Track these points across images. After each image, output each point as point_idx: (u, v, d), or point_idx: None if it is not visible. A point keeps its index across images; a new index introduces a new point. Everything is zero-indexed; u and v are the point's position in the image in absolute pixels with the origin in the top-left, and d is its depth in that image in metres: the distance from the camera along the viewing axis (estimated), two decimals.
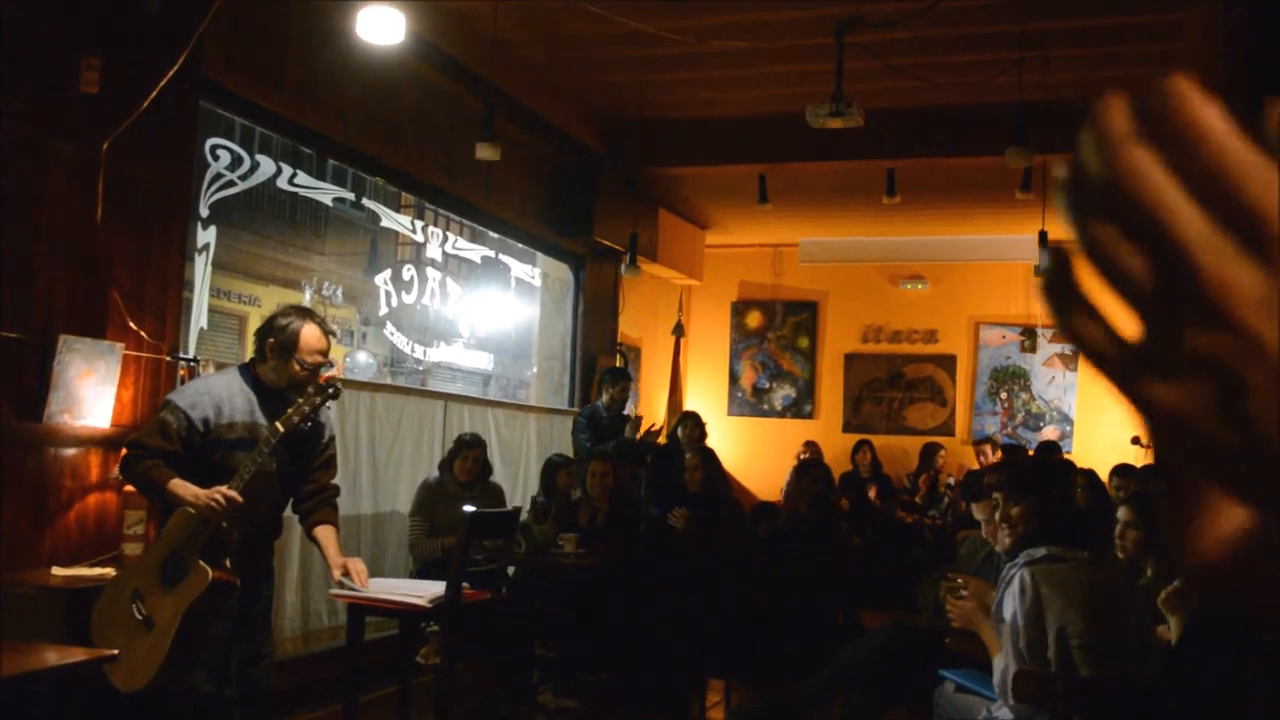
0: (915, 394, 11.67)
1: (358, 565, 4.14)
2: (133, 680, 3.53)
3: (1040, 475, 3.79)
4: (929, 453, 10.64)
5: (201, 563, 3.60)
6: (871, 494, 9.80)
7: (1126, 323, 0.42)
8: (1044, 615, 3.18)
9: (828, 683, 4.56)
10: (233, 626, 3.84)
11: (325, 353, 3.98)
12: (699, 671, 6.37)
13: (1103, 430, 10.49)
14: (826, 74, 6.47)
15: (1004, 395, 11.41)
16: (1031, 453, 9.49)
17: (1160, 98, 0.42)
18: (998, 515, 3.61)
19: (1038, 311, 10.97)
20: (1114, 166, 0.41)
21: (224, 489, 3.63)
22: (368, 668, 4.65)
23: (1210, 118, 0.41)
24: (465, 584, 4.32)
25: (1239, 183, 0.40)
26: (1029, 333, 10.99)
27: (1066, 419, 11.13)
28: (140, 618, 3.63)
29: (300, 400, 3.80)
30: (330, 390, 3.89)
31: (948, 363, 11.58)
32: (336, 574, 4.09)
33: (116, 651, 3.12)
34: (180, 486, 3.67)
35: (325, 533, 4.11)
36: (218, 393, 3.85)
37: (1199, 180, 0.40)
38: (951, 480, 10.03)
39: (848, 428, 11.67)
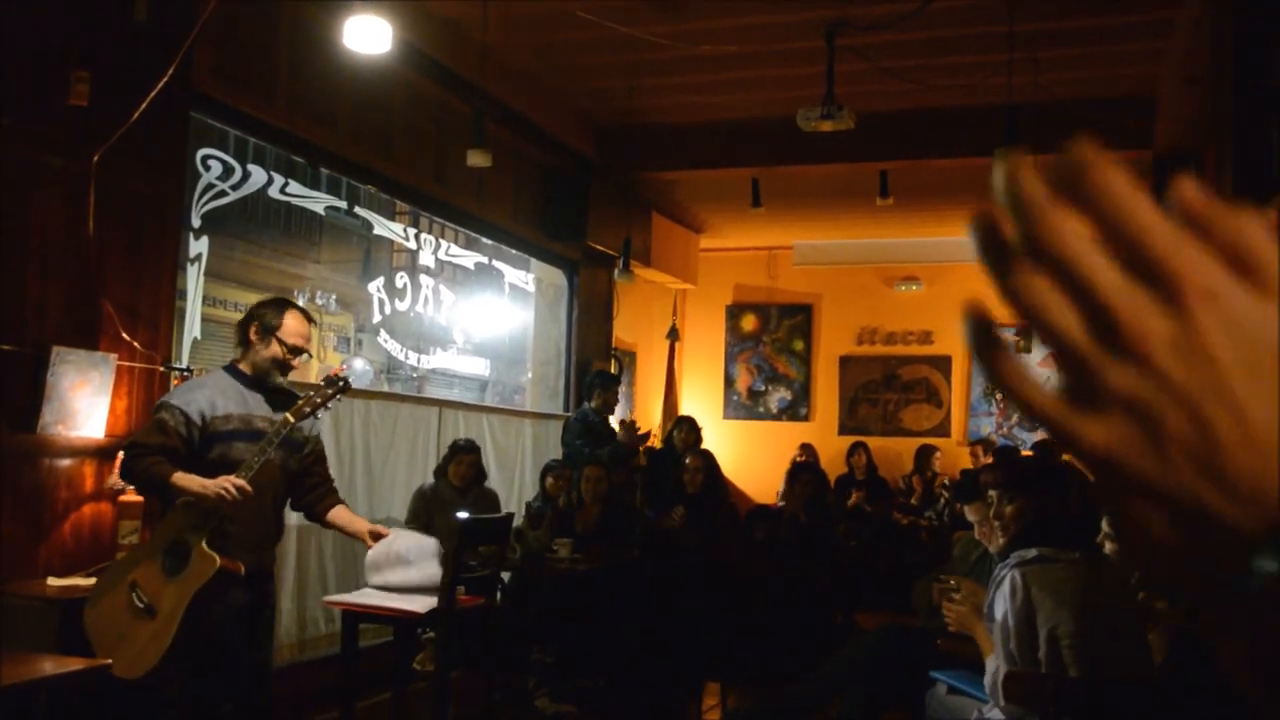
0: (911, 396, 11.69)
1: (381, 529, 4.23)
2: (134, 667, 3.54)
3: (1037, 474, 3.79)
4: (924, 454, 10.65)
5: (208, 549, 3.61)
6: (852, 500, 9.78)
7: (1053, 364, 0.46)
8: (1034, 616, 3.19)
9: (822, 685, 4.57)
10: (240, 628, 3.84)
11: (306, 338, 4.05)
12: (695, 675, 6.38)
13: None
14: (817, 77, 6.49)
15: (999, 396, 11.42)
16: (1028, 452, 9.50)
17: (1073, 163, 0.45)
18: (992, 513, 3.61)
19: None
20: (1037, 230, 0.45)
21: (233, 478, 3.64)
22: (363, 675, 4.66)
23: (1120, 183, 0.44)
24: (460, 589, 4.34)
25: (1148, 242, 0.44)
26: (1024, 333, 10.94)
27: None
28: (141, 605, 3.64)
29: (312, 392, 3.84)
30: (341, 383, 3.92)
31: (943, 364, 11.60)
32: (370, 541, 4.16)
33: (111, 661, 3.13)
34: (185, 478, 3.68)
35: (341, 511, 4.19)
36: (208, 388, 3.90)
37: (1113, 238, 0.44)
38: (947, 482, 10.04)
39: (843, 430, 11.68)
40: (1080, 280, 0.44)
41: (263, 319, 3.98)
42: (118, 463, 4.49)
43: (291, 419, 3.77)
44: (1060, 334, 0.45)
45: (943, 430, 11.47)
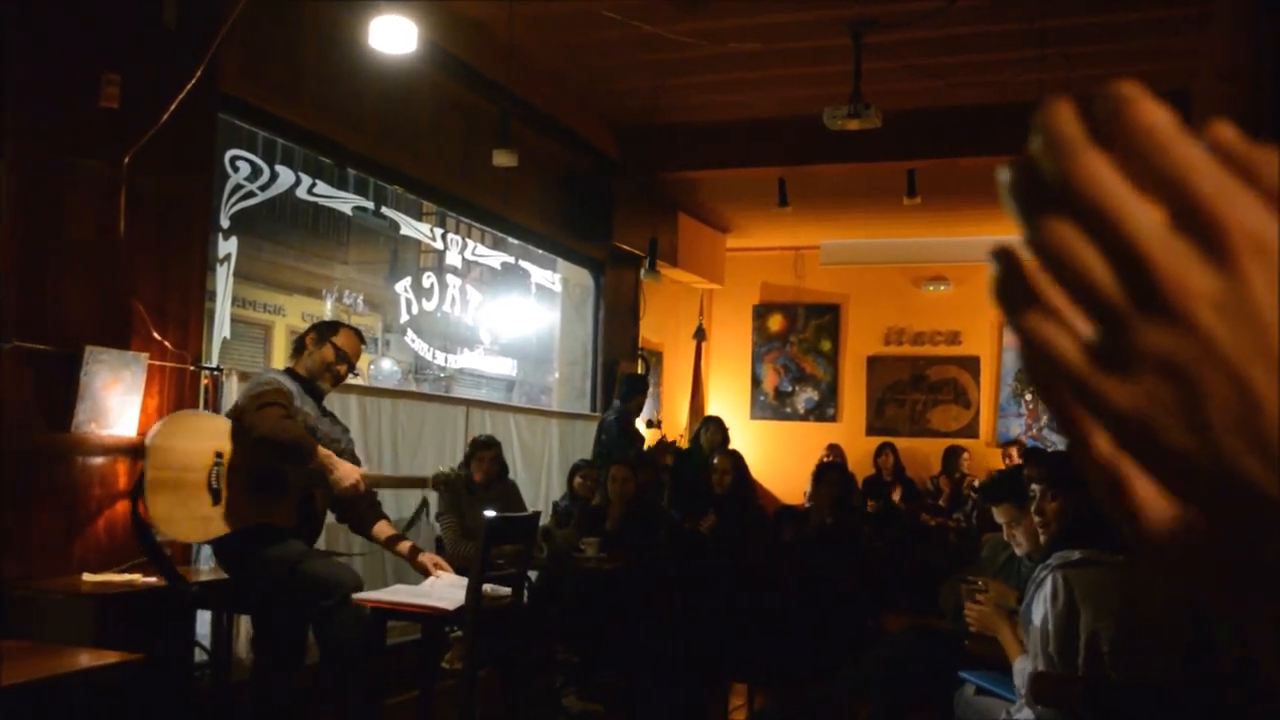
0: (939, 396, 11.63)
1: (441, 563, 4.52)
2: (177, 532, 3.94)
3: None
4: (952, 455, 10.60)
5: (290, 505, 4.00)
6: (870, 506, 9.68)
7: (1081, 324, 0.42)
8: (1076, 620, 3.14)
9: (849, 686, 4.55)
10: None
11: (357, 353, 4.43)
12: (722, 675, 6.37)
13: None
14: (844, 75, 6.47)
15: (1029, 397, 11.35)
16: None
17: (1111, 101, 0.42)
18: (1033, 509, 3.56)
19: None
20: (1069, 171, 0.41)
21: (359, 475, 4.09)
22: (391, 673, 4.68)
23: (1162, 121, 0.41)
24: (487, 587, 4.35)
25: (1192, 186, 0.40)
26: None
27: None
28: (214, 486, 3.88)
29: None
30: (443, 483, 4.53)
31: (971, 364, 11.54)
32: (434, 570, 4.43)
33: (143, 656, 3.16)
34: (330, 456, 4.07)
35: (384, 527, 4.49)
36: (288, 381, 4.19)
37: (1153, 183, 0.40)
38: (976, 484, 9.98)
39: (871, 430, 11.64)
40: (1115, 227, 0.40)
41: (320, 329, 4.39)
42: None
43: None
44: (1091, 286, 0.41)
45: (971, 431, 11.41)
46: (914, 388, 11.69)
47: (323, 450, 4.08)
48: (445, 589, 4.30)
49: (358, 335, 4.44)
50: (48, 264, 4.30)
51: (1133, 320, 0.40)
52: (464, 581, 4.19)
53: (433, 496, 6.21)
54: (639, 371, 9.46)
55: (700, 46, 6.66)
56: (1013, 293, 0.44)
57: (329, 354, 4.28)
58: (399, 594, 4.34)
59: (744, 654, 6.11)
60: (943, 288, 11.51)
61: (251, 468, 4.03)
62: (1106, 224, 0.40)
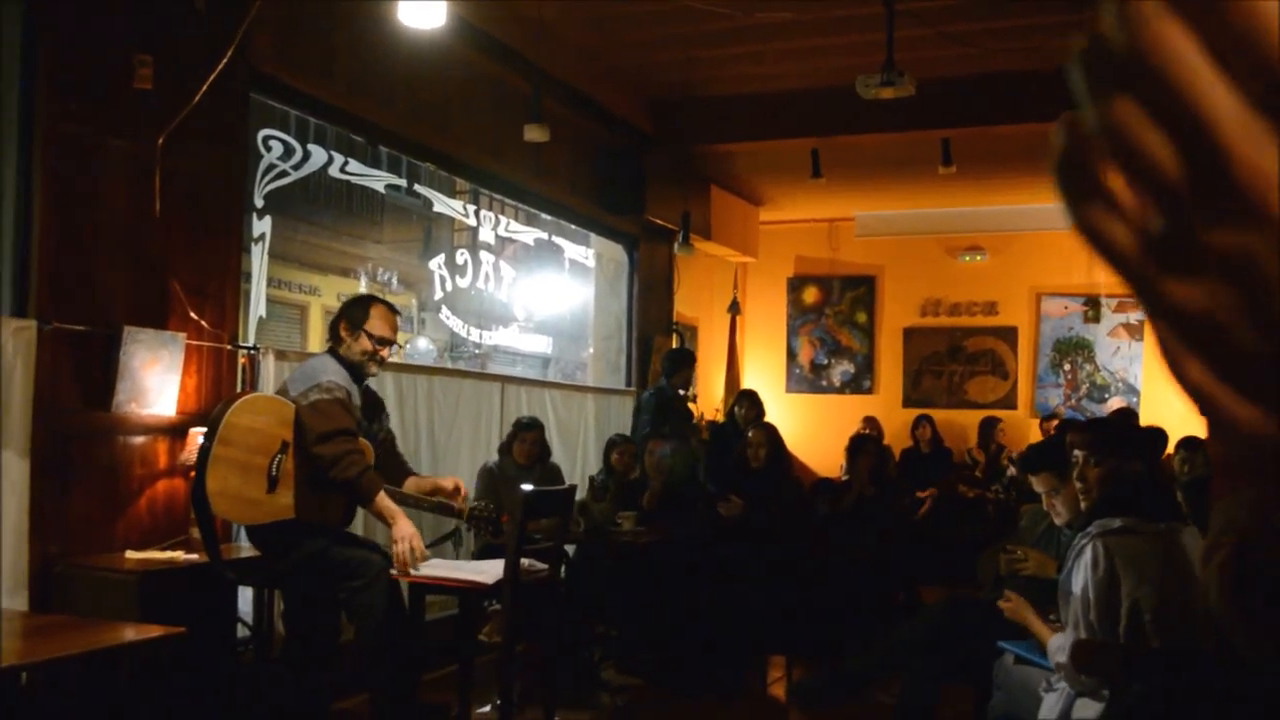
0: (976, 367, 11.55)
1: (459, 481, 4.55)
2: (225, 509, 3.95)
3: (1125, 437, 3.68)
4: (988, 427, 10.53)
5: (339, 503, 4.08)
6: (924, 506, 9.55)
7: (1145, 214, 0.39)
8: (1117, 588, 3.12)
9: (887, 657, 4.55)
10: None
11: (394, 329, 4.37)
12: (760, 648, 6.38)
13: (1171, 402, 10.30)
14: (876, 44, 6.40)
15: (1067, 367, 11.25)
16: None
17: None
18: (1075, 475, 3.52)
19: (1102, 281, 10.80)
20: (1140, 40, 0.37)
21: (420, 546, 4.13)
22: (430, 647, 4.72)
23: None
24: (525, 561, 4.37)
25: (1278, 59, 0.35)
26: (1092, 303, 10.82)
27: (1133, 390, 10.95)
28: (273, 474, 3.93)
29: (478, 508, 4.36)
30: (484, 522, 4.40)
31: (1009, 335, 11.44)
32: (450, 490, 4.45)
33: (185, 630, 3.21)
34: (388, 505, 4.10)
35: (412, 480, 4.49)
36: (341, 375, 4.18)
37: (1234, 57, 0.36)
38: (1014, 455, 9.91)
39: (908, 402, 11.58)
40: (1189, 106, 0.36)
41: (350, 315, 4.31)
42: (189, 442, 4.58)
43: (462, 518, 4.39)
44: (1156, 171, 0.37)
45: (1009, 402, 11.33)
46: (951, 359, 11.61)
47: (383, 499, 4.08)
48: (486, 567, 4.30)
49: (389, 309, 4.38)
50: (85, 245, 4.34)
51: (1200, 210, 0.37)
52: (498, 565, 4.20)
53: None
54: (674, 345, 9.44)
55: (731, 17, 6.60)
56: (1073, 176, 0.40)
57: (366, 344, 4.25)
58: (437, 568, 4.36)
59: (782, 627, 6.11)
60: (979, 258, 11.41)
61: (310, 466, 4.05)
62: (1180, 102, 0.36)
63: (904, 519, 7.36)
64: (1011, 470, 9.57)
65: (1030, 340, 11.38)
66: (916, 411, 10.95)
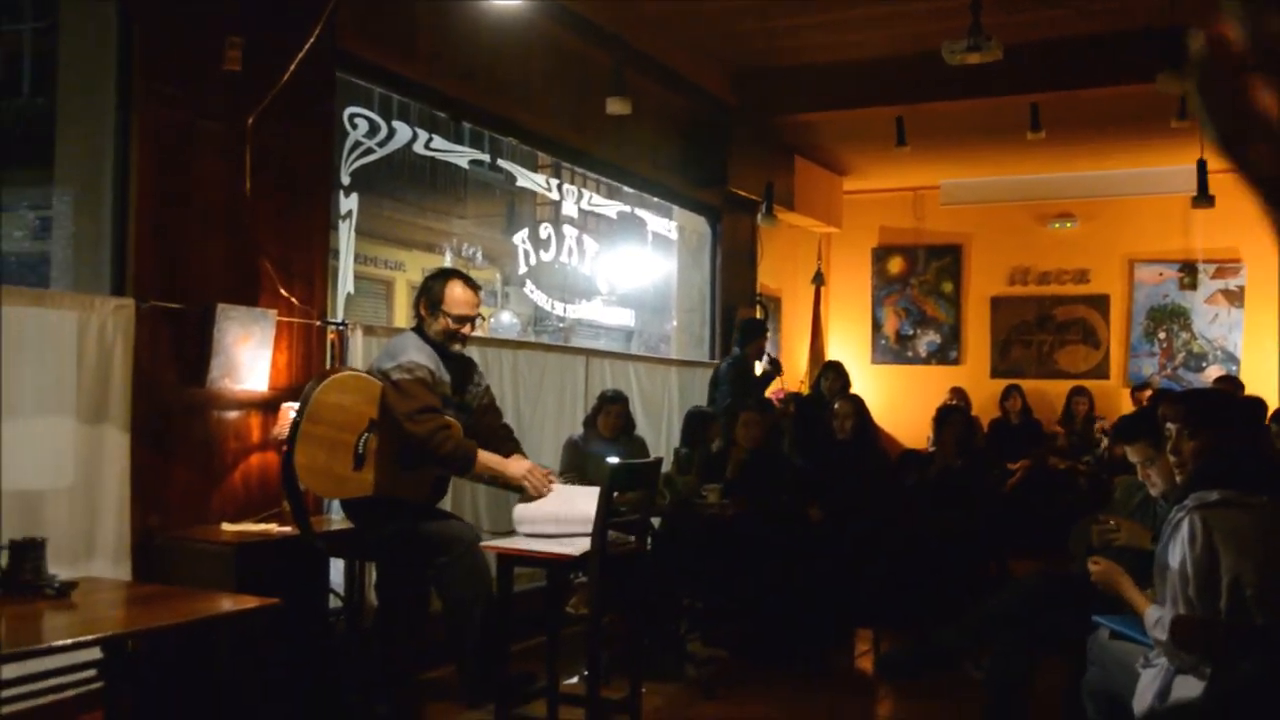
0: (1066, 336, 11.32)
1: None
2: (313, 484, 4.04)
3: (1221, 409, 3.56)
4: (1078, 397, 10.31)
5: (425, 480, 4.15)
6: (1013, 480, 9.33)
7: None
8: (1216, 563, 3.03)
9: (977, 630, 4.49)
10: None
11: (474, 305, 4.36)
12: (847, 621, 6.34)
13: (1272, 370, 10.01)
14: (962, 8, 6.26)
15: (1162, 335, 10.97)
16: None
17: None
18: (1169, 449, 3.43)
19: (1198, 246, 10.50)
20: None
21: (544, 471, 4.16)
22: (517, 618, 4.76)
23: None
24: (611, 534, 4.38)
25: None
26: (1189, 269, 10.53)
27: (1232, 358, 10.64)
28: (360, 452, 4.01)
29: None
30: None
31: (1100, 303, 11.19)
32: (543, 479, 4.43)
33: (279, 600, 3.27)
34: (493, 459, 4.14)
35: (522, 460, 4.45)
36: (424, 353, 4.19)
37: None
38: (1107, 426, 9.70)
39: (996, 373, 11.40)
40: None
41: (429, 294, 4.32)
42: (280, 416, 4.67)
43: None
44: None
45: (1100, 372, 11.09)
46: (1040, 328, 11.39)
47: (484, 458, 4.11)
48: (578, 502, 4.26)
49: (465, 283, 4.36)
50: (179, 225, 4.44)
51: None
52: (590, 491, 4.19)
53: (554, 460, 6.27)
54: (757, 316, 9.40)
55: None
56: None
57: (447, 323, 4.28)
58: (524, 541, 4.36)
59: (869, 599, 6.07)
60: (1069, 225, 11.16)
61: (396, 443, 4.09)
62: None
63: (993, 491, 7.24)
64: (1104, 441, 9.39)
65: (1123, 308, 11.11)
66: (1004, 382, 10.77)
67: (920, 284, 11.88)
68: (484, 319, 4.83)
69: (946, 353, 11.78)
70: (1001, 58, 6.20)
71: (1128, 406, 9.79)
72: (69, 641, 2.73)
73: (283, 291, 4.83)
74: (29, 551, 3.13)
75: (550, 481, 4.20)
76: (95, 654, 3.19)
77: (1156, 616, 3.15)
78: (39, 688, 3.13)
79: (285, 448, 4.02)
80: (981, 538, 6.45)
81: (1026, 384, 10.71)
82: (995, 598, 4.50)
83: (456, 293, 4.30)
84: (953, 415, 7.01)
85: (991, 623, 4.33)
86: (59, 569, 3.29)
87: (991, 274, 11.60)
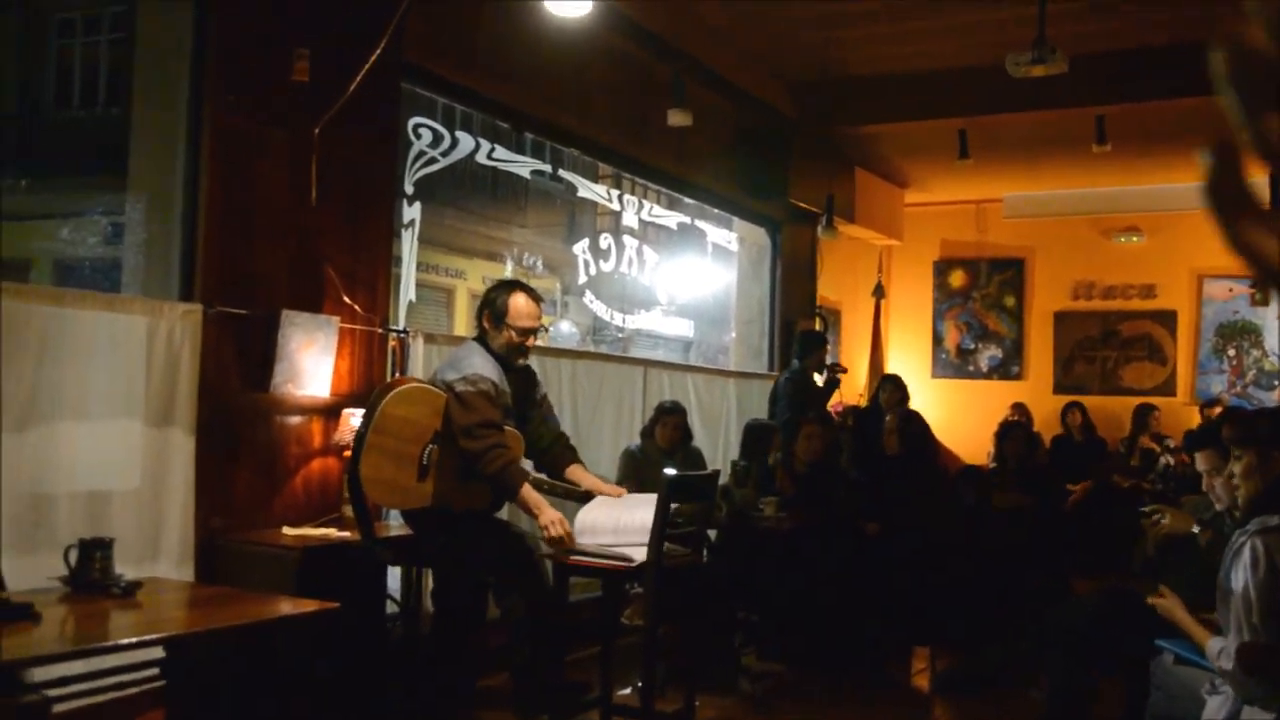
0: (1131, 353, 11.14)
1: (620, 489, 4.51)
2: (377, 495, 4.06)
3: None
4: (1142, 414, 10.13)
5: (487, 490, 4.13)
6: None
7: None
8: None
9: (1037, 649, 4.43)
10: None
11: (536, 317, 4.32)
12: (904, 637, 6.28)
13: None
14: (1027, 19, 6.20)
15: (1232, 352, 10.76)
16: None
17: None
18: (1228, 471, 3.37)
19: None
20: None
21: (566, 528, 4.08)
22: (573, 627, 4.78)
23: None
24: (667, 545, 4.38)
25: None
26: (1259, 284, 10.32)
27: None
28: (424, 463, 4.02)
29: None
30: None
31: (1167, 319, 11.00)
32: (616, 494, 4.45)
33: (339, 605, 3.31)
34: (534, 497, 4.10)
35: (577, 469, 4.46)
36: (489, 364, 4.18)
37: None
38: (1170, 443, 9.53)
39: (1058, 389, 11.24)
40: None
41: (493, 306, 4.27)
42: (342, 422, 4.73)
43: None
44: None
45: (1167, 389, 10.90)
46: (1105, 344, 11.22)
47: (527, 492, 4.10)
48: (638, 511, 4.26)
49: (529, 295, 4.33)
50: (246, 232, 4.52)
51: None
52: (652, 499, 4.19)
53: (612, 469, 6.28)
54: (816, 329, 9.35)
55: None
56: (1225, 196, 0.40)
57: (511, 336, 4.24)
58: (599, 506, 4.34)
59: (926, 616, 6.01)
60: (1135, 239, 10.99)
61: (458, 455, 4.11)
62: None
63: (1055, 508, 7.14)
64: (1167, 459, 9.22)
65: (1191, 324, 10.92)
66: (1067, 398, 10.62)
67: (982, 298, 11.76)
68: (546, 329, 4.79)
69: (1008, 368, 11.64)
70: (1067, 70, 6.14)
71: (1194, 424, 9.60)
72: (133, 640, 2.78)
73: (346, 299, 4.89)
74: (97, 551, 3.19)
75: (569, 542, 4.17)
76: (158, 653, 3.24)
77: (1220, 647, 3.09)
78: (104, 684, 3.19)
79: (351, 458, 4.06)
80: (1043, 555, 6.37)
81: (1090, 400, 10.55)
82: (1055, 616, 4.43)
83: (520, 305, 4.26)
84: (1014, 431, 6.94)
85: (1053, 642, 4.27)
86: (125, 569, 3.36)
87: (1055, 288, 11.45)
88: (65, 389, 3.79)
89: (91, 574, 3.16)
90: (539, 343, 4.62)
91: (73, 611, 2.97)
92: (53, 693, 2.84)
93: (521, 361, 4.36)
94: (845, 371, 8.33)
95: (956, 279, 11.88)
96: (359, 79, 4.76)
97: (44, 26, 13.32)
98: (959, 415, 11.28)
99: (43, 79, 13.41)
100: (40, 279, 12.56)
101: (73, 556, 3.20)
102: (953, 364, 11.87)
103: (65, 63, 13.43)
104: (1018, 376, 11.56)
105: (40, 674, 2.78)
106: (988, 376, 11.69)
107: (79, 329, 3.83)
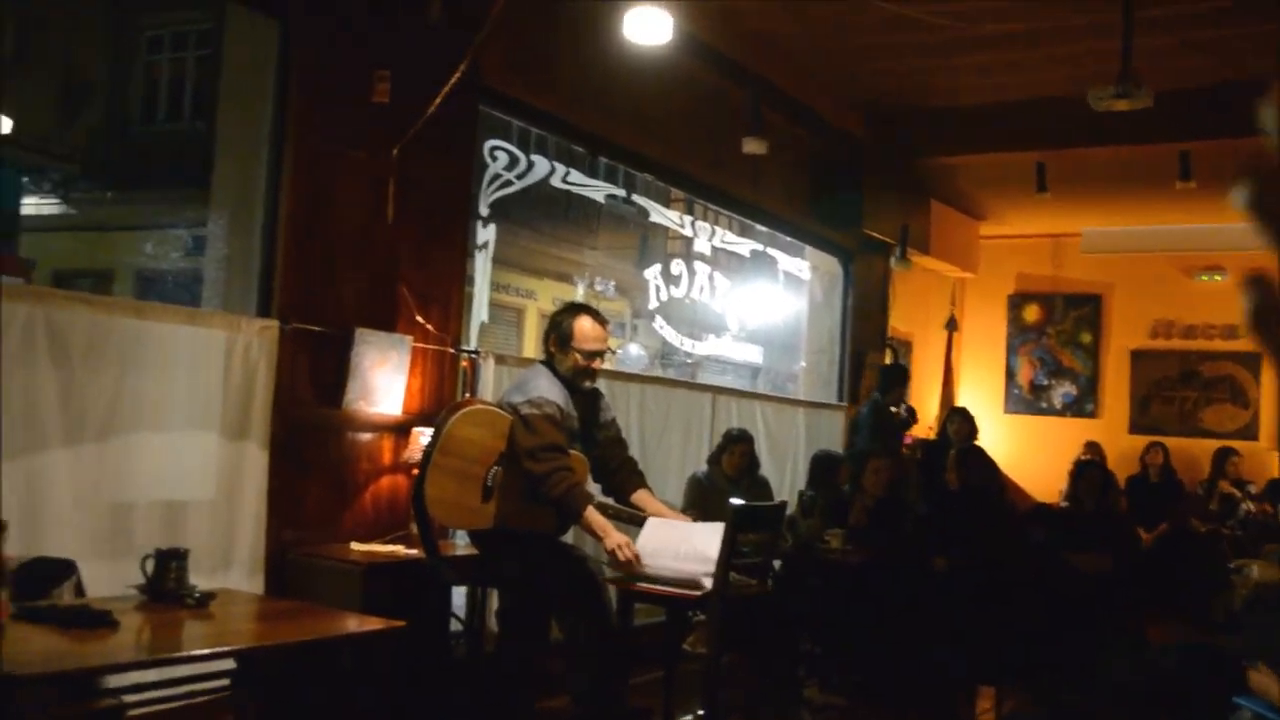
0: (1212, 394, 10.88)
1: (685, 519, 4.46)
2: (441, 515, 4.09)
3: None
4: (1221, 458, 9.88)
5: (552, 512, 4.11)
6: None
7: None
8: None
9: (1113, 698, 4.32)
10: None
11: (603, 340, 4.31)
12: (970, 675, 6.18)
13: None
14: (1110, 53, 6.11)
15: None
16: None
17: None
18: None
19: None
20: None
21: (632, 547, 4.05)
22: (636, 651, 4.75)
23: None
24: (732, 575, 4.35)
25: None
26: None
27: None
28: (488, 484, 4.05)
29: None
30: None
31: (1251, 361, 10.72)
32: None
33: (405, 624, 3.33)
34: (597, 519, 4.09)
35: (644, 495, 4.43)
36: (555, 388, 4.18)
37: None
38: (1252, 489, 9.28)
39: (1135, 428, 11.01)
40: None
41: (559, 330, 4.29)
42: (412, 440, 4.76)
43: None
44: None
45: (1249, 433, 10.61)
46: (1184, 384, 10.97)
47: (592, 515, 4.08)
48: (699, 540, 4.22)
49: (594, 318, 4.32)
50: (324, 251, 4.58)
51: None
52: (710, 527, 4.17)
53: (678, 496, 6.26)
54: (886, 361, 9.27)
55: (955, 27, 6.43)
56: (1268, 321, 0.39)
57: (577, 360, 4.25)
58: (657, 529, 4.31)
59: (992, 655, 5.90)
60: (1218, 277, 10.74)
61: (523, 477, 4.11)
62: None
63: (1129, 550, 6.99)
64: (1248, 505, 8.99)
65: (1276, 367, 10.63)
66: (1143, 439, 10.40)
67: (1057, 333, 11.58)
68: (613, 352, 4.78)
69: (1082, 405, 11.44)
70: (1152, 105, 6.04)
71: (1276, 471, 9.35)
72: (206, 651, 2.81)
73: (419, 318, 4.93)
74: (173, 561, 3.24)
75: (636, 565, 4.14)
76: (229, 663, 3.28)
77: None
78: (175, 692, 3.23)
79: (416, 477, 4.09)
80: (1116, 598, 6.23)
81: (1168, 442, 10.32)
82: (1131, 665, 4.33)
83: (586, 328, 4.26)
84: (1089, 470, 6.81)
85: (1125, 690, 4.16)
86: (198, 578, 3.40)
87: (1133, 326, 11.24)
88: (145, 400, 3.86)
89: (167, 584, 3.21)
90: (606, 365, 4.61)
91: (149, 620, 3.02)
92: (127, 698, 2.88)
93: (588, 385, 4.35)
94: (915, 421, 8.28)
95: (1031, 313, 11.71)
96: (438, 101, 4.82)
97: (134, 42, 13.69)
98: (1030, 452, 11.10)
99: (131, 93, 13.77)
100: (122, 289, 12.86)
101: (149, 566, 3.25)
102: (1025, 400, 11.69)
103: (153, 78, 13.78)
104: (1092, 414, 11.35)
105: (115, 679, 2.83)
106: (1061, 414, 11.49)
107: (159, 341, 3.91)
